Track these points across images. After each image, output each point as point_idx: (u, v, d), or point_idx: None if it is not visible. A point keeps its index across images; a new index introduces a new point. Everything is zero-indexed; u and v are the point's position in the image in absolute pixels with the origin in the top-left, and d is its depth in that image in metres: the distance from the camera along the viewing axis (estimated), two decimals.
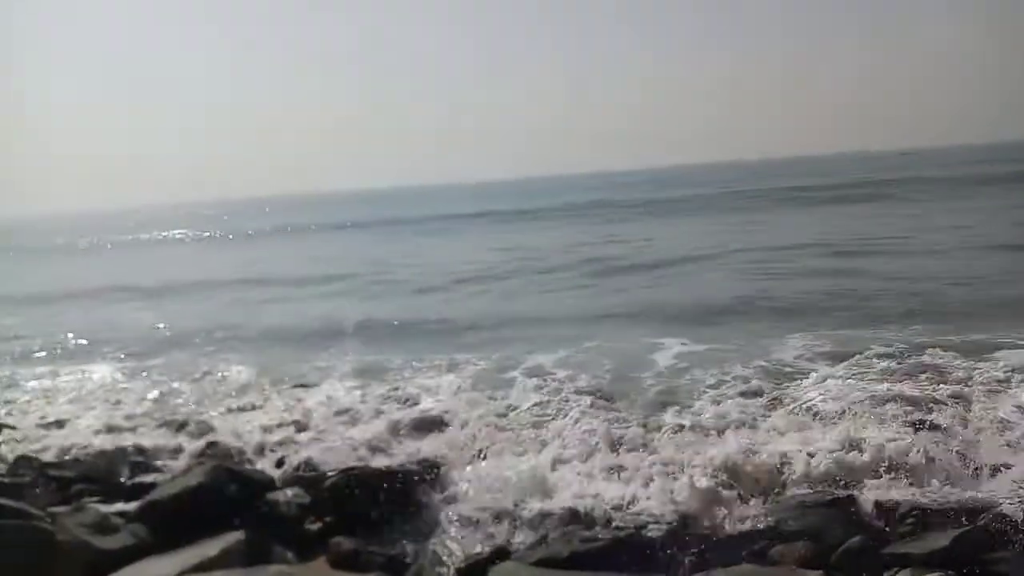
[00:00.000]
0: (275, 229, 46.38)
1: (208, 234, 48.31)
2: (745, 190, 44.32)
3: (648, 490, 5.32)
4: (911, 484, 4.84)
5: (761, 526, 4.38)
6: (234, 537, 4.50)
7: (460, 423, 6.94)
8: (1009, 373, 6.98)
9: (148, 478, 5.79)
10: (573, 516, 4.67)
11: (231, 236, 44.55)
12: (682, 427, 6.23)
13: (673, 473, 5.18)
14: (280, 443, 6.62)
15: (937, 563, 3.59)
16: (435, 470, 5.52)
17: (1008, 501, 4.24)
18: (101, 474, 5.98)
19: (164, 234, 51.99)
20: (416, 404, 7.83)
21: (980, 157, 61.06)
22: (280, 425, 7.31)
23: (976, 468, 5.03)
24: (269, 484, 5.40)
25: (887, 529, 4.26)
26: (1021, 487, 4.53)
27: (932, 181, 37.67)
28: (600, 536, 4.27)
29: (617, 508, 4.77)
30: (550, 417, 6.96)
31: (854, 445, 5.29)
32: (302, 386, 8.94)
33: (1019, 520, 4.00)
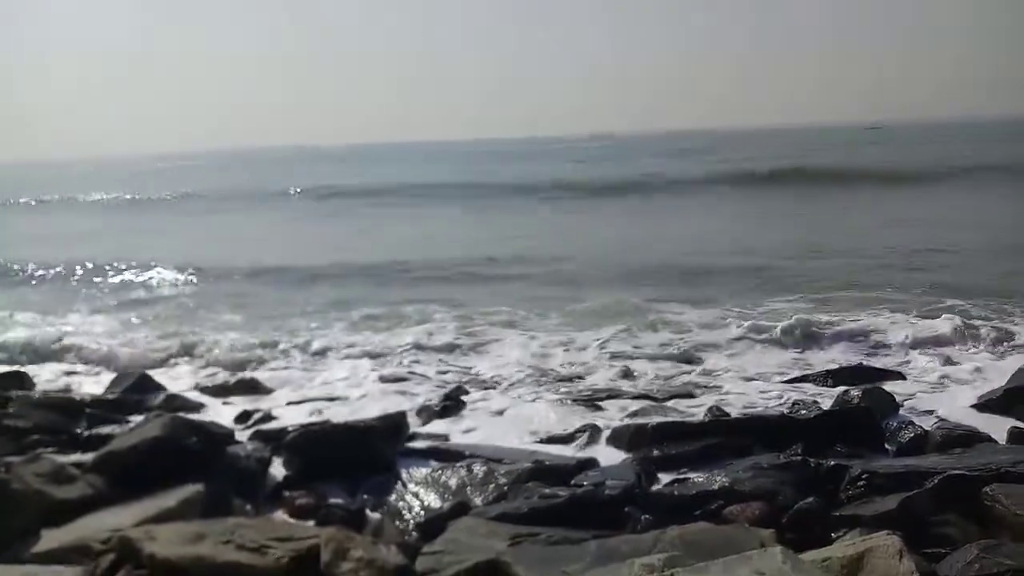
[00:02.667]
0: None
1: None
2: None
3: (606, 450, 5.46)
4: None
5: (715, 487, 4.46)
6: (192, 489, 4.47)
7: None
8: None
9: (105, 429, 5.74)
10: (532, 473, 4.71)
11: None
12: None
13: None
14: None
15: (885, 524, 3.68)
16: (399, 427, 5.54)
17: (953, 468, 4.37)
18: (57, 425, 5.92)
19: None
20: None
21: None
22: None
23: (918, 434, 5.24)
24: (229, 438, 5.37)
25: (838, 492, 4.38)
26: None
27: None
28: (559, 493, 4.32)
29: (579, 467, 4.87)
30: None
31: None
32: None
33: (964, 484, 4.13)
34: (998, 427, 5.43)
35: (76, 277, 15.14)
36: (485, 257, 14.92)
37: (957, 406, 6.06)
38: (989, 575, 3.25)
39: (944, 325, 8.39)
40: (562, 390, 6.88)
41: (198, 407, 6.51)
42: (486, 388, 7.04)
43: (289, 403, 6.69)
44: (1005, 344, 7.90)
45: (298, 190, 34.02)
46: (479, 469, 4.81)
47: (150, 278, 14.59)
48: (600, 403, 6.40)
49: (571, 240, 17.62)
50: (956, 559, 3.41)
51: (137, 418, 5.97)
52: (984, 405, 5.98)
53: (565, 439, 5.67)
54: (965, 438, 5.13)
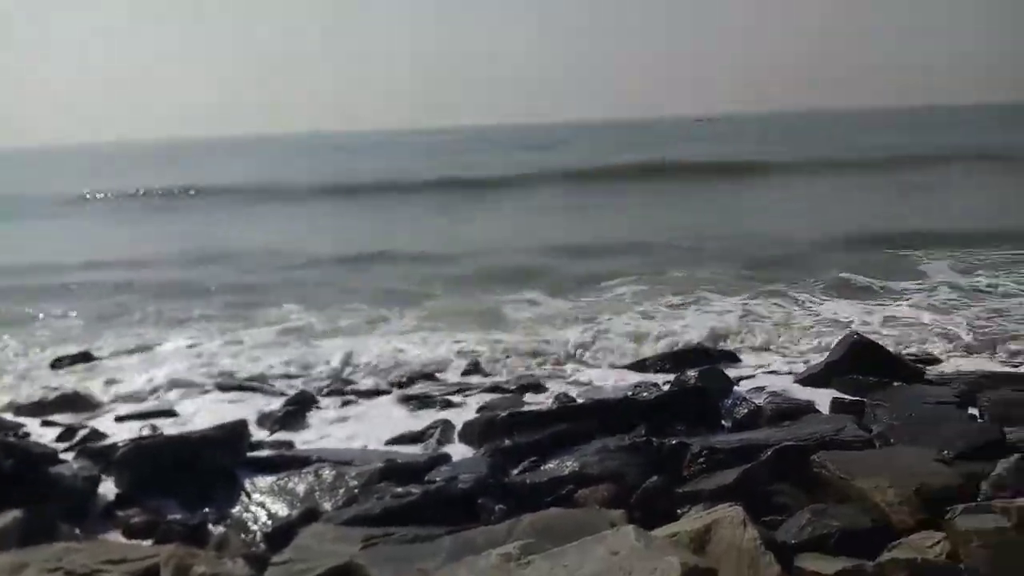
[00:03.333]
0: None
1: None
2: None
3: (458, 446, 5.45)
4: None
5: (565, 472, 4.53)
6: (10, 516, 4.09)
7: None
8: None
9: None
10: (384, 473, 4.62)
11: None
12: None
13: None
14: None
15: (726, 497, 3.85)
16: (239, 436, 5.29)
17: (784, 440, 4.64)
18: None
19: None
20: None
21: None
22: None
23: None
24: (51, 457, 4.97)
25: (682, 469, 4.54)
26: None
27: None
28: (412, 491, 4.26)
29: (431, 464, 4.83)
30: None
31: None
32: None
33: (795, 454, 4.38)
34: (821, 399, 5.82)
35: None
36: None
37: (784, 382, 6.45)
38: (820, 536, 3.49)
39: (769, 307, 8.97)
40: (414, 389, 6.80)
41: (15, 428, 5.99)
42: (332, 392, 6.84)
43: (119, 418, 6.27)
44: (819, 324, 8.50)
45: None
46: (328, 473, 4.67)
47: None
48: (451, 398, 6.37)
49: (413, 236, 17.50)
50: (791, 524, 3.63)
51: None
52: (808, 379, 6.39)
53: (416, 437, 5.60)
54: (793, 411, 5.49)
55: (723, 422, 5.51)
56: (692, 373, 6.10)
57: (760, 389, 6.16)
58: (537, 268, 12.82)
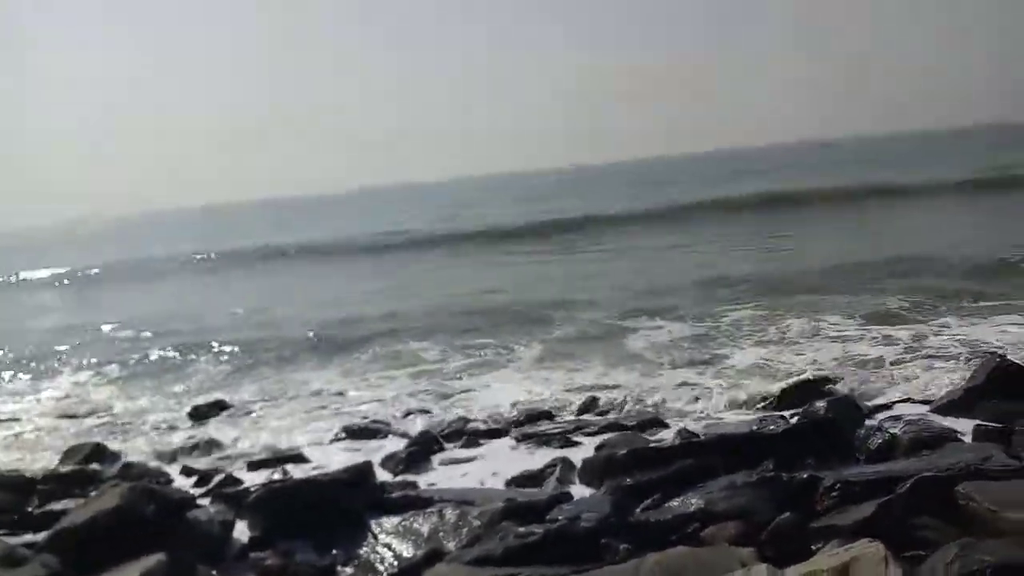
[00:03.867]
0: None
1: None
2: None
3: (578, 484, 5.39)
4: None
5: (692, 509, 4.40)
6: (154, 559, 4.27)
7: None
8: None
9: (59, 505, 5.51)
10: (505, 513, 4.61)
11: None
12: None
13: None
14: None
15: (863, 532, 3.65)
16: (365, 477, 5.39)
17: (925, 470, 4.37)
18: (6, 504, 5.67)
19: None
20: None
21: None
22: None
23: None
24: (189, 502, 5.18)
25: (814, 504, 4.34)
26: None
27: None
28: (534, 531, 4.22)
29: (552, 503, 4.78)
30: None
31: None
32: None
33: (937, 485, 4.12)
34: (963, 427, 5.48)
35: None
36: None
37: (921, 410, 6.11)
38: (970, 572, 3.23)
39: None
40: (532, 428, 6.79)
41: (157, 474, 6.30)
42: (453, 433, 6.91)
43: (251, 464, 6.50)
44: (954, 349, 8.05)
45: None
46: (451, 514, 4.69)
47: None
48: (569, 436, 6.32)
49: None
50: (936, 560, 3.38)
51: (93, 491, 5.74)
52: (947, 406, 6.03)
53: (536, 476, 5.58)
54: (933, 440, 5.16)
55: (856, 454, 5.25)
56: (821, 404, 5.84)
57: (896, 418, 5.83)
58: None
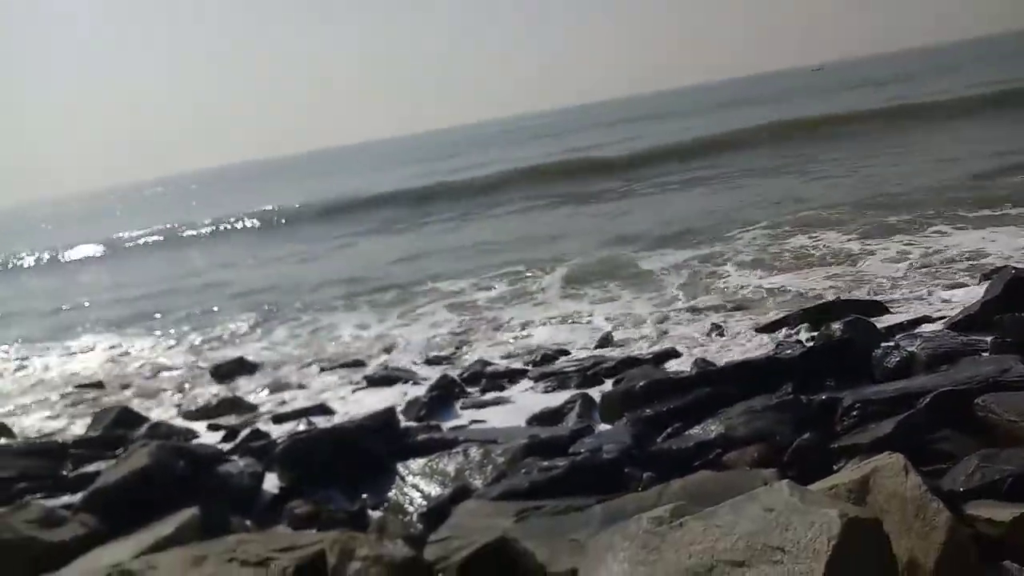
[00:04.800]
0: None
1: None
2: None
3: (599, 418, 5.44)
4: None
5: (712, 436, 4.45)
6: (188, 513, 4.38)
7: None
8: None
9: (92, 467, 5.62)
10: (529, 449, 4.67)
11: None
12: None
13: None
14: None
15: (884, 448, 3.68)
16: (388, 423, 5.46)
17: (943, 385, 4.38)
18: (42, 470, 5.79)
19: None
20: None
21: None
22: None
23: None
24: (218, 457, 5.29)
25: (834, 425, 4.38)
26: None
27: None
28: (557, 464, 4.28)
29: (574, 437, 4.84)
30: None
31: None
32: None
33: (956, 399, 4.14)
34: (981, 340, 5.46)
35: None
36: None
37: (939, 326, 6.11)
38: (991, 482, 3.27)
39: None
40: (551, 366, 6.85)
41: (184, 432, 6.40)
42: (473, 375, 6.97)
43: (276, 417, 6.59)
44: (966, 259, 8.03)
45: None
46: (475, 452, 4.77)
47: None
48: (588, 372, 6.37)
49: None
50: (958, 472, 3.43)
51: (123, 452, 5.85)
52: (964, 321, 5.99)
53: (557, 413, 5.64)
54: (950, 355, 5.14)
55: (875, 373, 5.25)
56: (837, 325, 5.83)
57: (913, 336, 5.83)
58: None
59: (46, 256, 29.93)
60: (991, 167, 13.71)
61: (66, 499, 5.12)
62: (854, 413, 4.37)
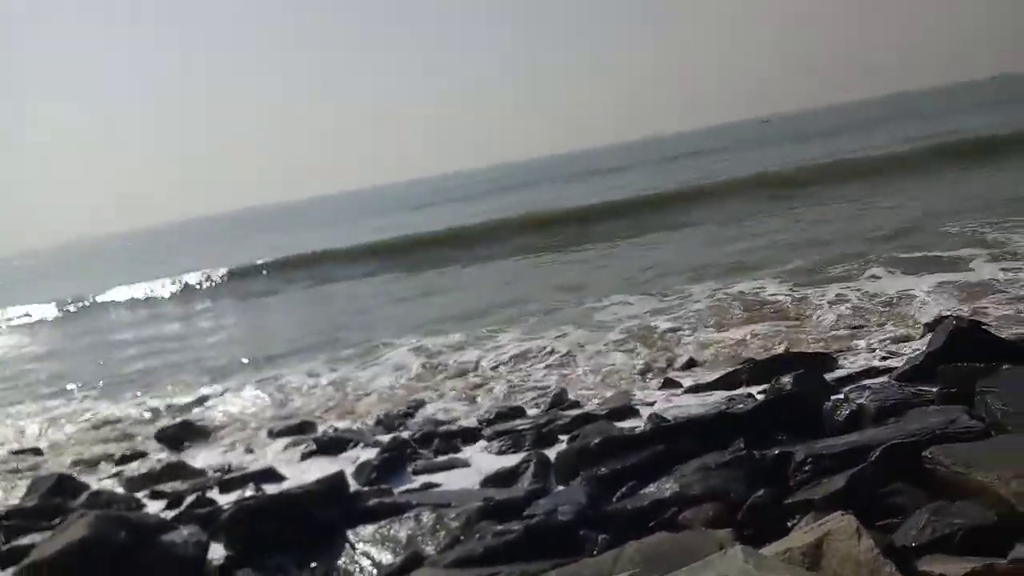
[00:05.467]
0: None
1: None
2: None
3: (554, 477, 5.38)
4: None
5: (667, 494, 4.42)
6: None
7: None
8: None
9: (26, 540, 5.39)
10: (483, 512, 4.59)
11: None
12: None
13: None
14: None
15: (837, 504, 3.69)
16: (339, 488, 5.33)
17: (892, 438, 4.43)
18: None
19: None
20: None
21: None
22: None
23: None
24: (162, 526, 5.09)
25: (787, 480, 4.38)
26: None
27: None
28: (512, 528, 4.21)
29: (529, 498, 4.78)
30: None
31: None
32: None
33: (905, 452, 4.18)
34: (927, 392, 5.55)
35: None
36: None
37: (884, 379, 6.20)
38: (943, 536, 3.28)
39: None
40: (503, 425, 6.78)
41: (127, 500, 6.19)
42: (425, 436, 6.86)
43: (222, 483, 6.41)
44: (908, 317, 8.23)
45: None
46: (428, 517, 4.66)
47: None
48: (541, 430, 6.32)
49: None
50: (909, 526, 3.43)
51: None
52: (910, 372, 6.11)
53: (511, 474, 5.56)
54: (898, 407, 5.21)
55: (825, 427, 5.30)
56: (786, 379, 5.90)
57: (861, 388, 5.91)
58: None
59: None
60: (920, 216, 14.22)
61: None
62: (806, 468, 4.38)
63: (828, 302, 9.32)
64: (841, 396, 5.64)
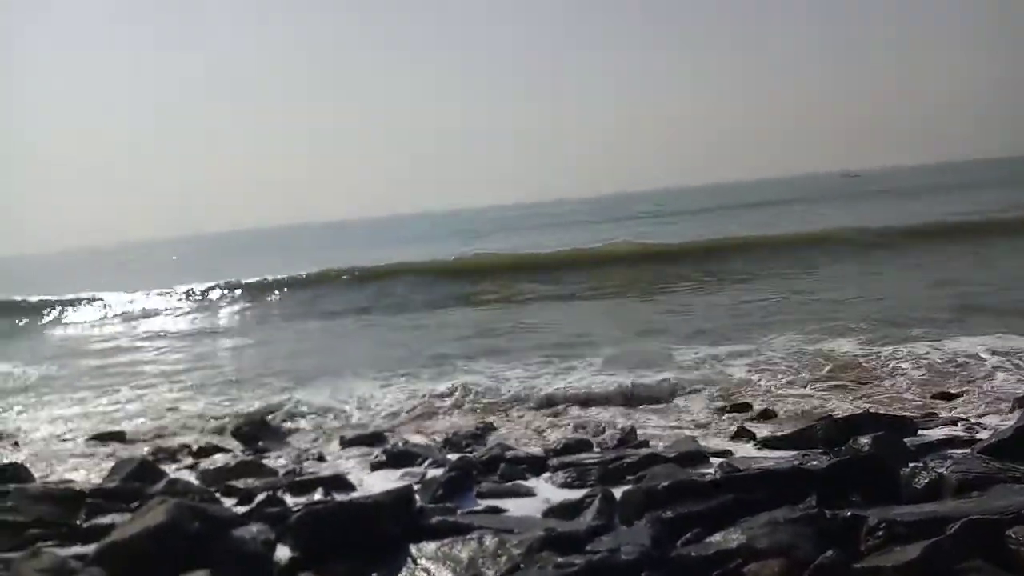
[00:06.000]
0: None
1: None
2: None
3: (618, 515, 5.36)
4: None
5: (733, 545, 4.36)
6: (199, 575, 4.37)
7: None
8: None
9: (106, 519, 5.63)
10: (544, 543, 4.60)
11: None
12: None
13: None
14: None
15: (909, 574, 3.60)
16: (406, 502, 5.42)
17: (973, 512, 4.29)
18: (57, 517, 5.81)
19: None
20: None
21: None
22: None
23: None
24: (234, 520, 5.26)
25: (858, 544, 4.28)
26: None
27: None
28: (574, 562, 4.21)
29: (592, 534, 4.77)
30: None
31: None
32: None
33: (986, 529, 4.04)
34: (1012, 469, 5.36)
35: None
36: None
37: (968, 450, 6.00)
38: None
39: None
40: (570, 457, 6.79)
41: (201, 492, 6.40)
42: (492, 460, 6.92)
43: (293, 485, 6.57)
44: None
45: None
46: (490, 541, 4.69)
47: None
48: (610, 467, 6.31)
49: None
50: None
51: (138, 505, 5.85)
52: (995, 447, 5.90)
53: (575, 507, 5.57)
54: (981, 480, 5.04)
55: (901, 493, 5.16)
56: (864, 440, 5.75)
57: (943, 457, 5.72)
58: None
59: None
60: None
61: (77, 549, 5.12)
62: (879, 533, 4.28)
63: (912, 365, 9.07)
64: (920, 464, 5.48)
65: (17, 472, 7.38)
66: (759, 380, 9.28)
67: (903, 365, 9.10)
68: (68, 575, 4.41)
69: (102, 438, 8.99)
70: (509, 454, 7.01)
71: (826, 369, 9.43)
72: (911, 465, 5.45)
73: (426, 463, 6.98)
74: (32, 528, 5.56)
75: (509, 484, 6.33)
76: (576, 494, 5.80)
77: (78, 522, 5.77)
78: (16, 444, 8.96)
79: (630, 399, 8.99)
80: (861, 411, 7.36)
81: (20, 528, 5.55)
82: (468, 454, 7.09)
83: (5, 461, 7.86)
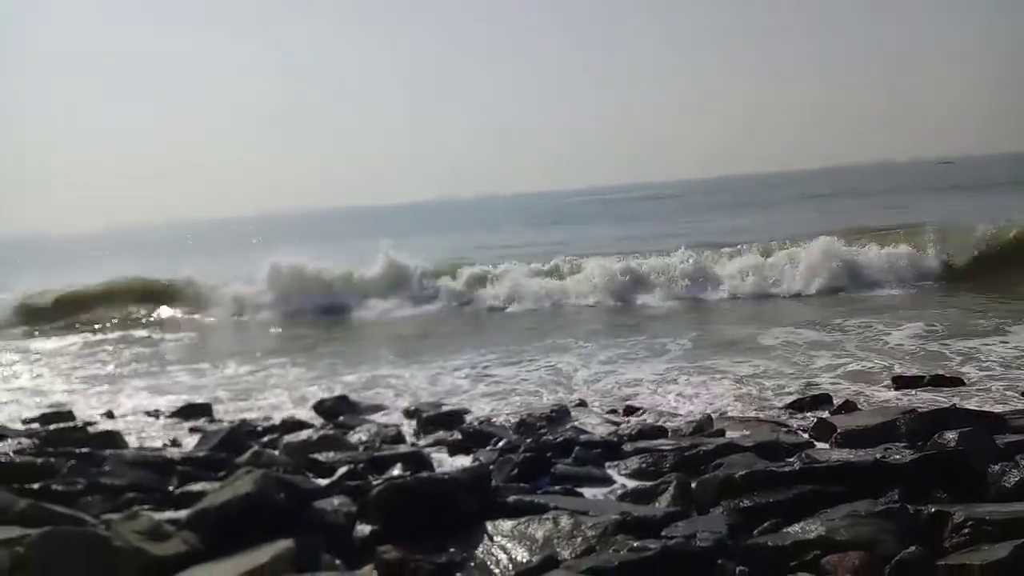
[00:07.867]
0: None
1: None
2: None
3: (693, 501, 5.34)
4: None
5: (811, 536, 4.32)
6: (283, 545, 4.53)
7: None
8: None
9: (196, 487, 5.88)
10: (620, 526, 4.63)
11: None
12: None
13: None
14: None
15: (997, 574, 3.52)
16: (483, 480, 5.51)
17: None
18: (150, 482, 6.10)
19: None
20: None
21: None
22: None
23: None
24: (317, 492, 5.44)
25: (942, 540, 4.19)
26: None
27: None
28: (649, 546, 4.23)
29: (668, 519, 4.78)
30: None
31: None
32: None
33: None
34: None
35: None
36: None
37: None
38: None
39: None
40: (647, 442, 6.79)
41: (285, 464, 6.61)
42: (567, 441, 6.96)
43: (373, 459, 6.73)
44: None
45: None
46: (566, 522, 4.74)
47: None
48: (686, 454, 6.28)
49: None
50: None
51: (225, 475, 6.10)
52: None
53: (650, 492, 5.58)
54: None
55: (989, 491, 5.00)
56: (951, 435, 5.61)
57: None
58: None
59: None
60: None
61: (170, 514, 5.36)
62: (965, 531, 4.18)
63: (1004, 363, 8.75)
64: (1011, 462, 5.31)
65: (113, 439, 7.76)
66: (842, 370, 9.09)
67: (997, 364, 8.78)
68: (163, 538, 4.62)
69: (190, 407, 9.36)
70: (583, 438, 7.03)
71: (914, 362, 9.18)
72: (1001, 463, 5.28)
73: (501, 443, 7.06)
74: (128, 492, 5.85)
75: (583, 468, 6.36)
76: (651, 480, 5.81)
77: (170, 488, 6.06)
78: (110, 414, 9.38)
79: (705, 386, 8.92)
80: (948, 406, 7.14)
81: (117, 491, 5.85)
82: (543, 436, 7.13)
83: (101, 429, 8.25)
